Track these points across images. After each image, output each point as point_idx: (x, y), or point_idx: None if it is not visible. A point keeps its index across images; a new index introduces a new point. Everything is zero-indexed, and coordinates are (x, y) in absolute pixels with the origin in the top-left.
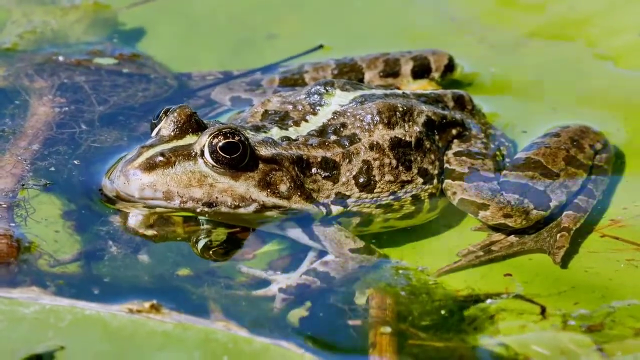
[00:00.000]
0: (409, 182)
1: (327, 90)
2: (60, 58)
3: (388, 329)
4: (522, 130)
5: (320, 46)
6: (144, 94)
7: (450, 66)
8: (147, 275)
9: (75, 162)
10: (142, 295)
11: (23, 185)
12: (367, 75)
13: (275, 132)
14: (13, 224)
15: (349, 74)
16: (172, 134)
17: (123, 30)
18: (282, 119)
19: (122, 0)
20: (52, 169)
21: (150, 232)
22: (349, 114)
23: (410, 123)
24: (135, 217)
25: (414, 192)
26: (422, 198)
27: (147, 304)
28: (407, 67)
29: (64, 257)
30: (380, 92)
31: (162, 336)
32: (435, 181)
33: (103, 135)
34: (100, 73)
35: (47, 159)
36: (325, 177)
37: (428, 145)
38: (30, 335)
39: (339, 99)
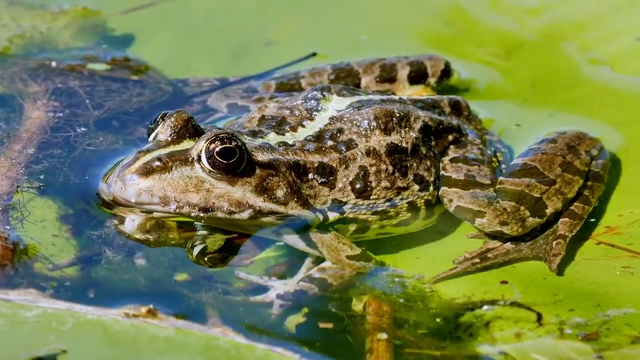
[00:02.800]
0: (405, 188)
1: (324, 96)
2: (54, 63)
3: (384, 336)
4: (516, 124)
5: (314, 54)
6: (138, 99)
7: (446, 71)
8: (144, 280)
9: (70, 165)
10: (138, 299)
11: (18, 187)
12: (364, 81)
13: (272, 138)
14: (8, 227)
15: (346, 79)
16: (169, 138)
17: (113, 36)
18: (279, 124)
19: (113, 6)
20: (47, 172)
21: (147, 237)
22: (345, 119)
23: (407, 129)
24: (132, 222)
25: (410, 199)
26: (418, 205)
27: (143, 309)
28: (403, 73)
29: (61, 261)
30: (377, 97)
31: (164, 342)
32: (431, 188)
33: (98, 138)
34: (94, 78)
35: (42, 162)
36: (322, 183)
37: (424, 152)
38: (32, 339)
39: (335, 104)
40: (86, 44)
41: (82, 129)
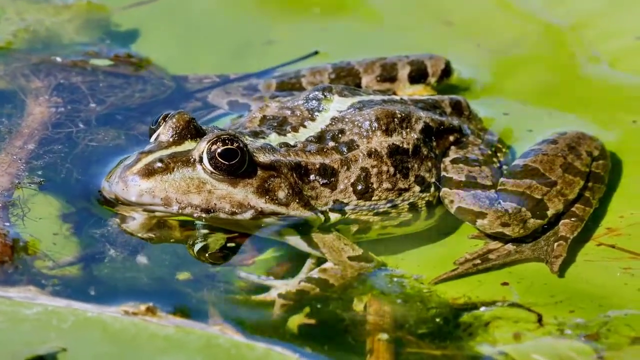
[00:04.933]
0: (406, 189)
1: (325, 96)
2: (58, 59)
3: (385, 336)
4: (504, 113)
5: (316, 52)
6: (141, 95)
7: (447, 71)
8: (146, 279)
9: (72, 161)
10: (140, 298)
11: (19, 183)
12: (364, 80)
13: (274, 138)
14: (8, 223)
15: (346, 78)
16: (171, 139)
17: (117, 31)
18: (281, 125)
19: (118, 1)
20: (48, 168)
21: (149, 236)
22: (347, 120)
23: (408, 130)
24: (134, 220)
25: (411, 200)
26: (420, 206)
27: (143, 307)
28: (404, 72)
29: (62, 259)
30: (378, 98)
31: (164, 340)
32: (432, 189)
33: (100, 134)
34: (96, 74)
35: (43, 157)
36: (323, 184)
37: (425, 153)
38: (32, 337)
39: (337, 105)
40: (90, 39)
41: (84, 125)
